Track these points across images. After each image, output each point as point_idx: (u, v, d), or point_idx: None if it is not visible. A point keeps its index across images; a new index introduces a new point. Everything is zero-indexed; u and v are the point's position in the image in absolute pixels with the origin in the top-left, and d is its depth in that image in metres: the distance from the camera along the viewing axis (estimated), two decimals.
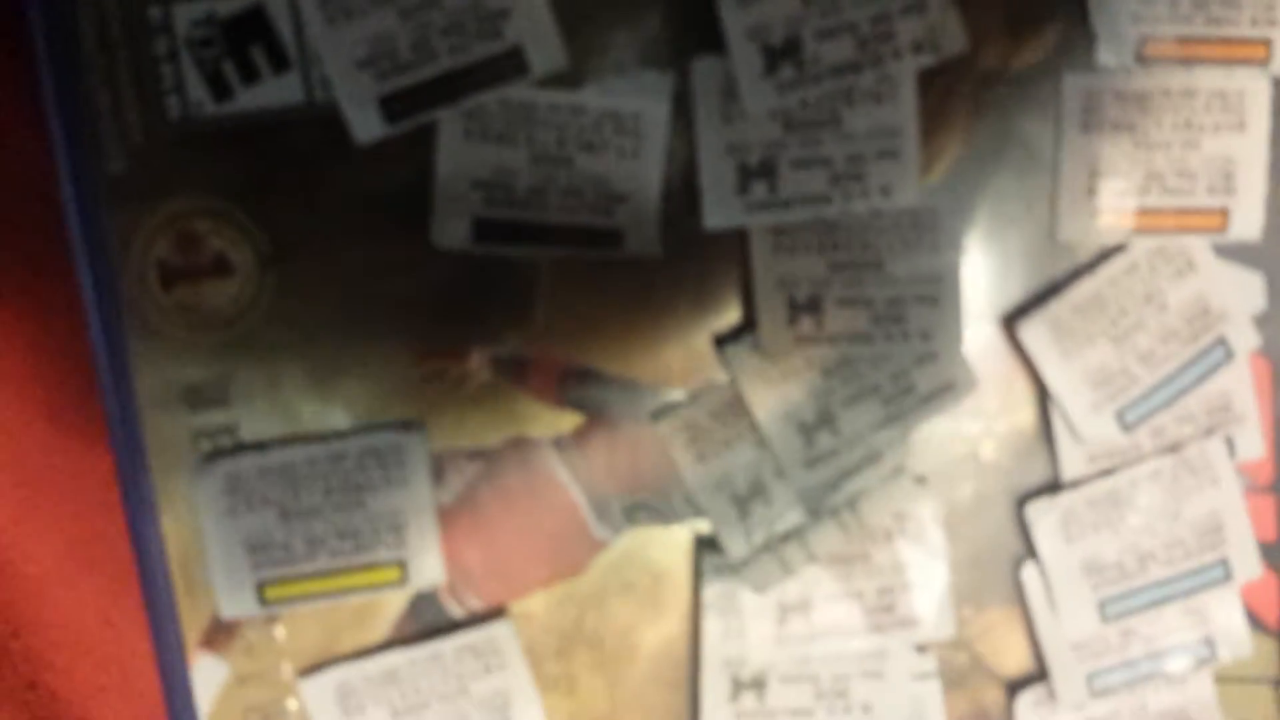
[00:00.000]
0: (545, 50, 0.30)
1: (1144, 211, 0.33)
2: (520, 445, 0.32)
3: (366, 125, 0.30)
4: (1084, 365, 0.33)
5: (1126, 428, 0.33)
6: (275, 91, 0.30)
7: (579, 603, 0.33)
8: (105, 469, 0.36)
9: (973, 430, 0.33)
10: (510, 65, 0.30)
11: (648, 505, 0.33)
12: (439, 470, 0.32)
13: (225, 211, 0.31)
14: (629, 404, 0.32)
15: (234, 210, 0.31)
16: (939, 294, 0.32)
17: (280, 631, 0.33)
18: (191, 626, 0.32)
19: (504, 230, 0.31)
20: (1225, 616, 0.34)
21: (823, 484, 0.32)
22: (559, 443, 0.33)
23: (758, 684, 0.33)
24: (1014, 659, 0.34)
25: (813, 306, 0.32)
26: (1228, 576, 0.34)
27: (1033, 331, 0.33)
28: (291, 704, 0.33)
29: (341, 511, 0.32)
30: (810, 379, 0.32)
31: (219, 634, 0.33)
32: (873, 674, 0.33)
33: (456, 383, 0.32)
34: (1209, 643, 0.34)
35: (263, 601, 0.32)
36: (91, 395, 0.34)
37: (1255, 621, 0.35)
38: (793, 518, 0.33)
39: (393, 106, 0.30)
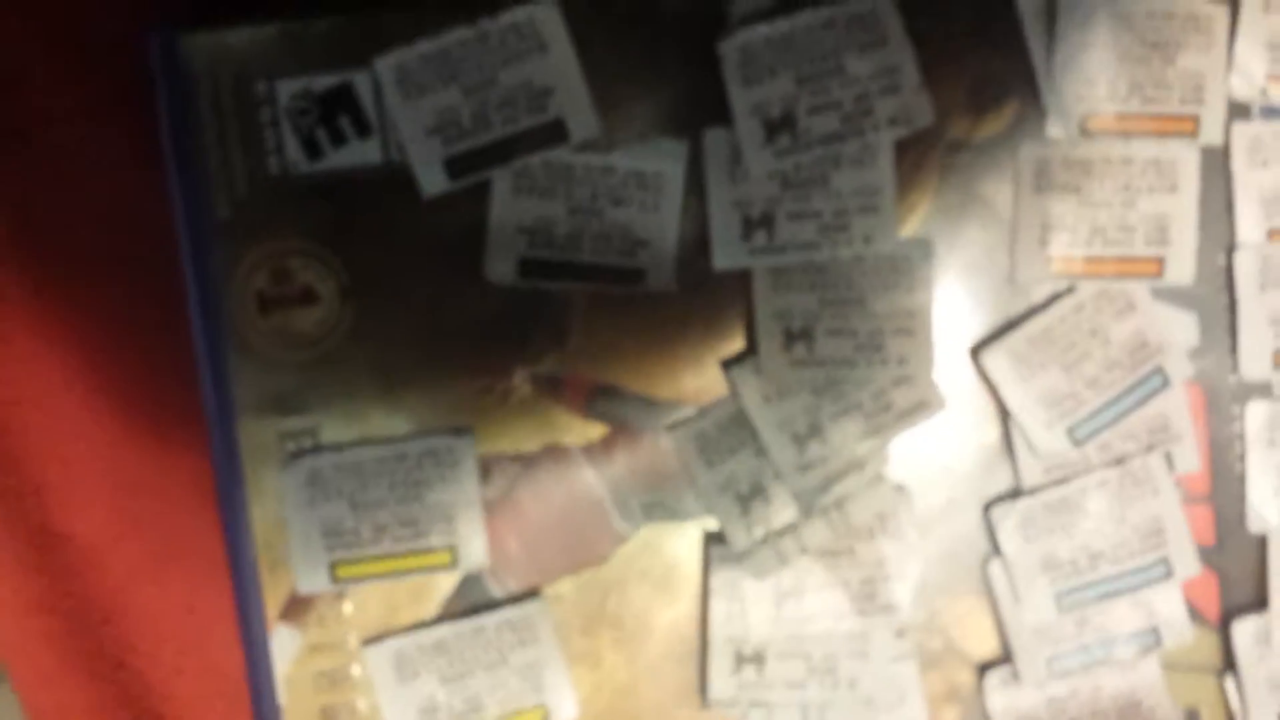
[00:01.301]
0: (582, 121, 0.35)
1: (1090, 260, 0.37)
2: (555, 451, 0.35)
3: (433, 181, 0.35)
4: (1038, 388, 0.36)
5: (1077, 443, 0.37)
6: (358, 153, 0.35)
7: (602, 587, 0.36)
8: (195, 474, 0.40)
9: (945, 443, 0.36)
10: (553, 133, 0.35)
11: (663, 504, 0.36)
12: (485, 470, 0.35)
13: (314, 251, 0.36)
14: (648, 417, 0.35)
15: (321, 250, 0.36)
16: (914, 327, 0.35)
17: (348, 606, 0.36)
18: (272, 601, 0.36)
19: (545, 269, 0.36)
20: (1168, 609, 0.37)
21: (814, 486, 0.35)
22: (588, 449, 0.35)
23: (758, 659, 0.35)
24: (983, 643, 0.37)
25: (805, 335, 0.35)
26: (1169, 574, 0.37)
27: (994, 359, 0.36)
28: (356, 670, 0.36)
29: (403, 503, 0.35)
30: (803, 397, 0.35)
31: (296, 608, 0.36)
32: (858, 653, 0.36)
33: (502, 397, 0.35)
34: (1154, 632, 0.37)
35: (334, 579, 0.35)
36: (186, 410, 0.38)
37: (1198, 616, 0.38)
38: (788, 515, 0.35)
39: (455, 166, 0.35)
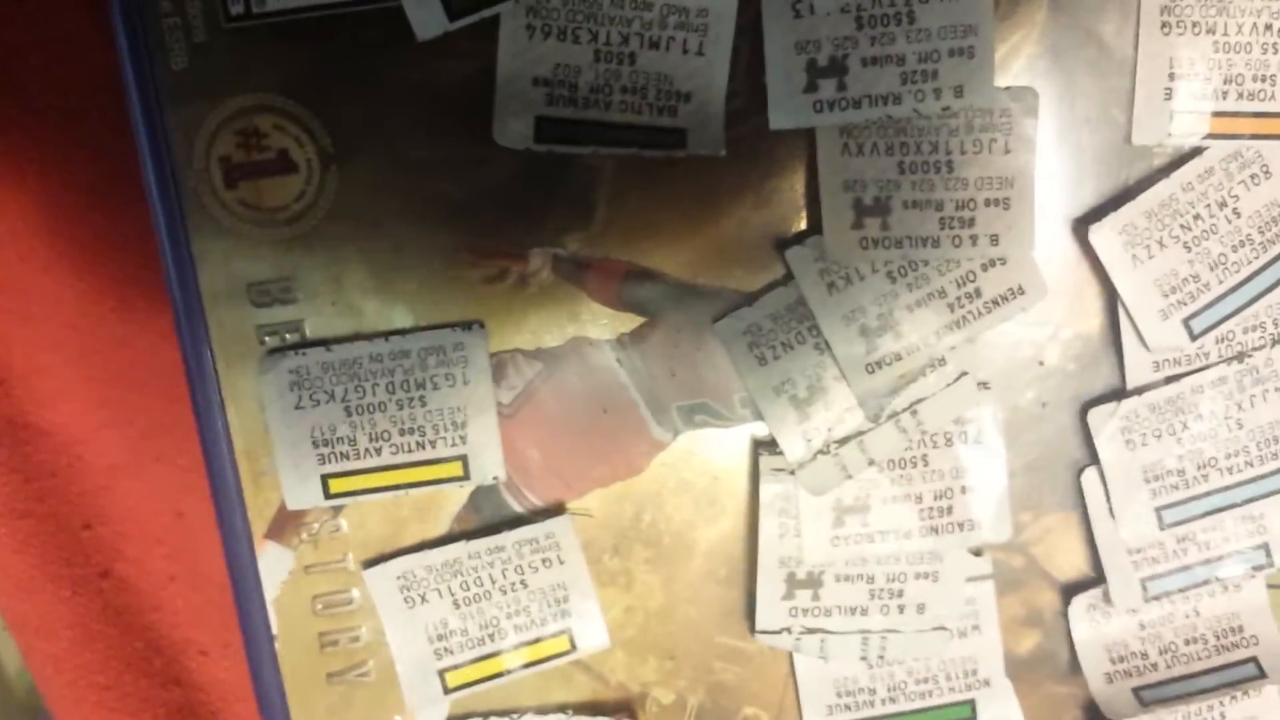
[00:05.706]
0: None
1: (1221, 115, 0.31)
2: (580, 346, 0.32)
3: (427, 21, 0.30)
4: (1154, 271, 0.32)
5: (1194, 335, 0.32)
6: None
7: (636, 501, 0.33)
8: (176, 360, 0.36)
9: (1038, 336, 0.32)
10: None
11: (707, 407, 0.33)
12: (499, 369, 0.32)
13: (288, 109, 0.31)
14: (689, 306, 0.32)
15: (297, 108, 0.31)
16: (1010, 197, 0.31)
17: (345, 523, 0.33)
18: (259, 517, 0.33)
19: (566, 129, 0.31)
20: None
21: (884, 388, 0.32)
22: (619, 344, 0.32)
23: (813, 582, 0.33)
24: (1070, 562, 0.34)
25: (880, 209, 0.31)
26: None
27: (1104, 237, 0.31)
28: (356, 594, 0.33)
29: (405, 407, 0.32)
30: (874, 283, 0.31)
31: (285, 525, 0.33)
32: (927, 575, 0.33)
33: (517, 283, 0.32)
34: (1265, 550, 0.34)
35: (328, 494, 0.32)
36: (161, 288, 0.34)
37: None
38: (852, 421, 0.32)
39: (454, 1, 0.30)
